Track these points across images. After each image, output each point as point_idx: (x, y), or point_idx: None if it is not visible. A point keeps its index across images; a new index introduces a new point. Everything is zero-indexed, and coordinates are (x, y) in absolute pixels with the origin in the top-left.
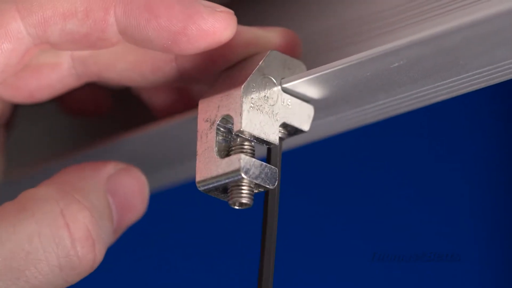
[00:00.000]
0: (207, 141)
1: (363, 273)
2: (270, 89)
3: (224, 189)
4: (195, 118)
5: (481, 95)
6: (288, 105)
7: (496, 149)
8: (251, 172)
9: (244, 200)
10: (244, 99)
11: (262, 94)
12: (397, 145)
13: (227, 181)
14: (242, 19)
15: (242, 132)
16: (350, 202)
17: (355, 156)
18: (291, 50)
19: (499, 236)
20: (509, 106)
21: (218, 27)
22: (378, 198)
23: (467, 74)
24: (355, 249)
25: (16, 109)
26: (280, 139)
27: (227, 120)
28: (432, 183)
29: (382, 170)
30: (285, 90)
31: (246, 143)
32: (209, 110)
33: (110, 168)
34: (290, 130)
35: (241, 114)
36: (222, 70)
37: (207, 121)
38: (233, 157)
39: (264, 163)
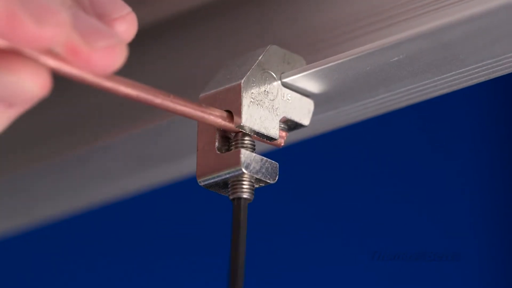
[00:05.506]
0: (208, 136)
1: (363, 272)
2: (270, 84)
3: (225, 184)
4: None
5: (481, 89)
6: (288, 99)
7: (497, 148)
8: (251, 167)
9: (244, 195)
10: (244, 94)
11: (262, 88)
12: (397, 141)
13: (227, 176)
14: (244, 14)
15: (242, 127)
16: (351, 199)
17: (356, 152)
18: None
19: (499, 236)
20: (510, 100)
21: None
22: (379, 195)
23: (467, 68)
24: (355, 248)
25: None
26: (245, 200)
27: None
28: (432, 181)
29: (383, 166)
30: (285, 85)
31: (246, 138)
32: (209, 105)
33: None
34: (290, 125)
35: (241, 109)
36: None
37: None
38: (234, 152)
39: (265, 158)
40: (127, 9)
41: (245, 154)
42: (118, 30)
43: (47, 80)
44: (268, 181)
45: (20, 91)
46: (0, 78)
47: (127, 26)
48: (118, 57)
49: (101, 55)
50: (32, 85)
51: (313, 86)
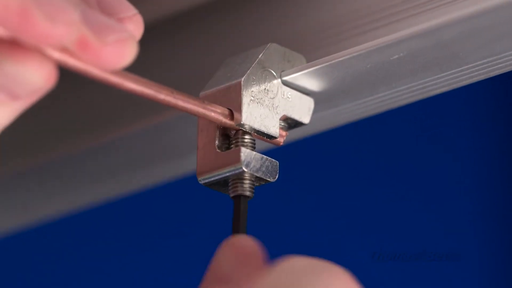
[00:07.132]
0: (208, 134)
1: (363, 272)
2: (270, 82)
3: (225, 182)
4: None
5: (482, 87)
6: (288, 98)
7: (497, 147)
8: (251, 165)
9: (245, 193)
10: (244, 92)
11: (262, 87)
12: (397, 140)
13: (228, 174)
14: (245, 13)
15: (242, 125)
16: (350, 199)
17: (356, 151)
18: None
19: (499, 236)
20: (510, 99)
21: None
22: (379, 194)
23: (467, 66)
24: (354, 248)
25: None
26: (245, 197)
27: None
28: (432, 181)
29: (382, 165)
30: (285, 83)
31: (246, 136)
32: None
33: None
34: (290, 123)
35: (241, 107)
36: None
37: None
38: (234, 150)
39: (265, 156)
40: (133, 10)
41: (245, 153)
42: None
43: (52, 72)
44: (268, 179)
45: (25, 82)
46: (5, 67)
47: (133, 27)
48: (128, 52)
49: (112, 49)
50: (37, 76)
51: (313, 84)
